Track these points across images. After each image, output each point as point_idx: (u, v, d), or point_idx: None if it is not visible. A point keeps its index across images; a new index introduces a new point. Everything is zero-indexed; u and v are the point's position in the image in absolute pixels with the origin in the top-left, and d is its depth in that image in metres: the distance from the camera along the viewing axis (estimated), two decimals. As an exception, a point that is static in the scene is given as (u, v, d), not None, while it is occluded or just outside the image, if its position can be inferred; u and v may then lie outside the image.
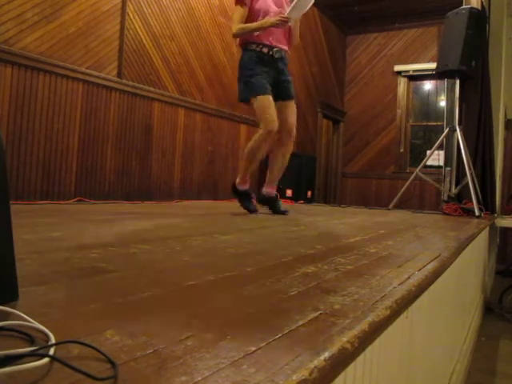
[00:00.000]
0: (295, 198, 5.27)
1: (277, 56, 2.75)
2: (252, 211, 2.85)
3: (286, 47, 2.82)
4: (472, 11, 3.88)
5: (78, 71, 3.16)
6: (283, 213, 2.87)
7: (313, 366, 0.49)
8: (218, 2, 4.56)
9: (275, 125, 2.69)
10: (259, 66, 2.70)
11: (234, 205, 4.04)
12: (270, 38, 2.72)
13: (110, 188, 3.45)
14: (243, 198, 2.89)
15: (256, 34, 2.69)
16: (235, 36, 2.77)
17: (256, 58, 2.70)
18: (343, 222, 2.71)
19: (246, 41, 2.74)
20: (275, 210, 2.89)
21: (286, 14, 2.63)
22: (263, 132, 2.69)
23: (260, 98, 2.67)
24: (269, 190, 2.94)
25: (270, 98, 2.70)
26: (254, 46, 2.72)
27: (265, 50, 2.72)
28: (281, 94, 2.80)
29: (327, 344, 0.56)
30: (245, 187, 2.88)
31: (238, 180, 2.89)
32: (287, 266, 1.09)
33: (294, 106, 2.87)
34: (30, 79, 2.90)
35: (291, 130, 2.84)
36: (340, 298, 0.79)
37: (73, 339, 0.52)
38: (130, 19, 3.57)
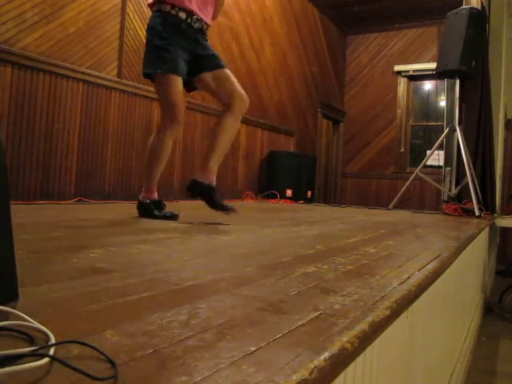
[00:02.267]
0: (295, 198, 5.27)
1: (196, 26, 2.23)
2: (170, 217, 2.20)
3: (207, 19, 2.32)
4: (472, 11, 3.89)
5: (77, 71, 3.16)
6: (226, 209, 2.22)
7: (313, 366, 0.49)
8: (218, 2, 4.56)
9: (182, 115, 2.22)
10: (174, 36, 2.17)
11: (234, 205, 4.04)
12: (190, 3, 2.20)
13: (109, 188, 3.45)
14: (155, 207, 2.22)
15: None
16: None
17: (171, 25, 2.17)
18: (343, 221, 2.70)
19: (160, 0, 2.19)
20: (215, 205, 2.22)
21: None
22: (168, 124, 2.17)
23: (171, 77, 2.14)
24: (207, 174, 2.23)
25: (181, 81, 2.19)
26: (168, 8, 2.16)
27: (182, 15, 2.18)
28: (207, 65, 2.27)
29: (327, 344, 0.56)
30: (153, 197, 2.27)
31: (142, 194, 2.28)
32: (287, 265, 1.09)
33: (232, 74, 2.32)
34: (30, 79, 2.90)
35: (243, 94, 2.28)
36: (340, 298, 0.79)
37: (73, 339, 0.52)
38: (130, 19, 3.57)
